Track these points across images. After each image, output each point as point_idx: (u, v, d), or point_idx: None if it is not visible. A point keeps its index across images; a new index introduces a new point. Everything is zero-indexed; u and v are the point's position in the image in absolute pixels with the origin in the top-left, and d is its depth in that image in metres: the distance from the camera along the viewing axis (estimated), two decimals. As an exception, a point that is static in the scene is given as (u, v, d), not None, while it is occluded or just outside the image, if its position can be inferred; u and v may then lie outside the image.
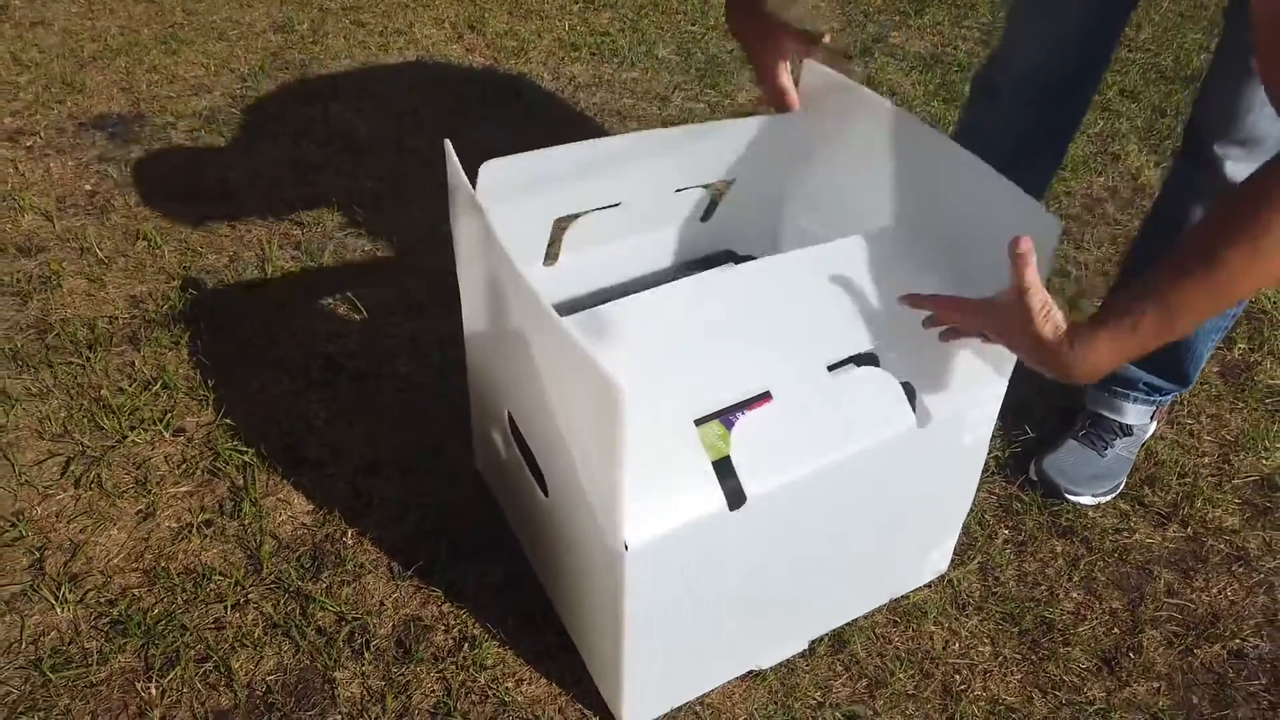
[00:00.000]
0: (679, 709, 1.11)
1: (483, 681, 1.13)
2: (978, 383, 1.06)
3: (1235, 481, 1.42)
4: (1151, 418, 1.43)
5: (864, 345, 1.02)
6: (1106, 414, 1.41)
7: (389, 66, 2.35)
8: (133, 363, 1.51)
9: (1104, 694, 1.16)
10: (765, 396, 0.99)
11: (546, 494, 1.05)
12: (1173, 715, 1.14)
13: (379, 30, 2.50)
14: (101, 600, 1.19)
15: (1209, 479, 1.43)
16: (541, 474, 1.05)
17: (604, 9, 2.68)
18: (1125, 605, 1.25)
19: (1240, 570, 1.30)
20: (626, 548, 0.88)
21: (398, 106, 2.19)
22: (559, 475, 1.00)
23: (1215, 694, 1.16)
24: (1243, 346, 1.65)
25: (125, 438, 1.38)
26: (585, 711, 1.10)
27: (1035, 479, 1.38)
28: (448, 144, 1.03)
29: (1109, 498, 1.37)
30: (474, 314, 1.14)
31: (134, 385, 1.47)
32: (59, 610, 1.17)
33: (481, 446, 1.33)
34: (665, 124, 2.18)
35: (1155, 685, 1.17)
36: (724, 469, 0.95)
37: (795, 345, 1.01)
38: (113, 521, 1.28)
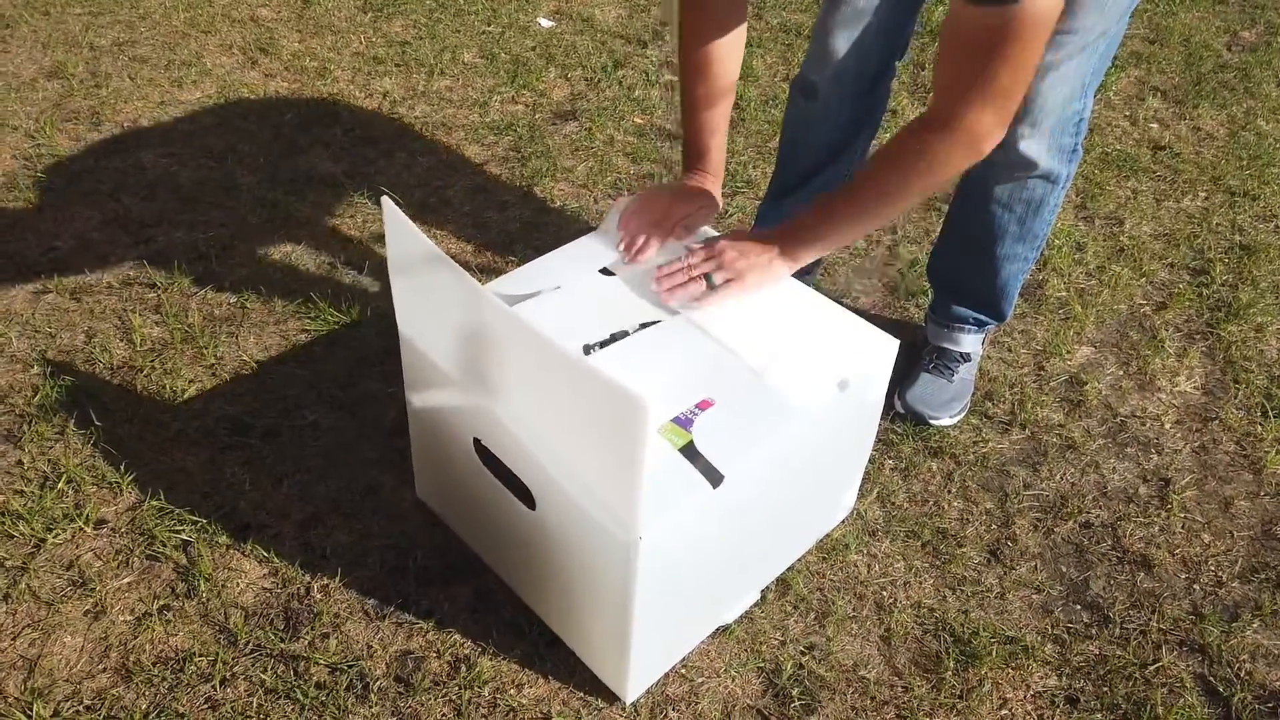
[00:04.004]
0: (666, 676, 1.25)
1: (488, 695, 1.21)
2: (876, 346, 1.24)
3: (1051, 384, 1.71)
4: (981, 344, 1.69)
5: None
6: (948, 346, 1.65)
7: (189, 104, 2.26)
8: (20, 462, 1.44)
9: (997, 580, 1.40)
10: (707, 401, 1.14)
11: (533, 507, 1.14)
12: (1051, 585, 1.39)
13: (164, 64, 2.39)
14: (79, 708, 1.17)
15: (1031, 385, 1.71)
16: (524, 490, 1.14)
17: (395, 17, 2.67)
18: (996, 504, 1.50)
19: (1072, 456, 1.59)
20: (641, 539, 1.00)
21: (213, 146, 2.13)
22: (551, 487, 1.09)
23: (1077, 560, 1.43)
24: (1032, 268, 1.96)
25: (44, 541, 1.33)
26: (587, 698, 1.22)
27: (902, 411, 1.60)
28: (387, 201, 1.08)
29: (962, 416, 1.62)
30: (423, 355, 1.20)
31: (31, 485, 1.40)
32: (36, 729, 1.14)
33: (427, 476, 1.38)
34: (491, 130, 2.24)
35: (1032, 564, 1.42)
36: (691, 452, 1.09)
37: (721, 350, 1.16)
38: (62, 628, 1.24)
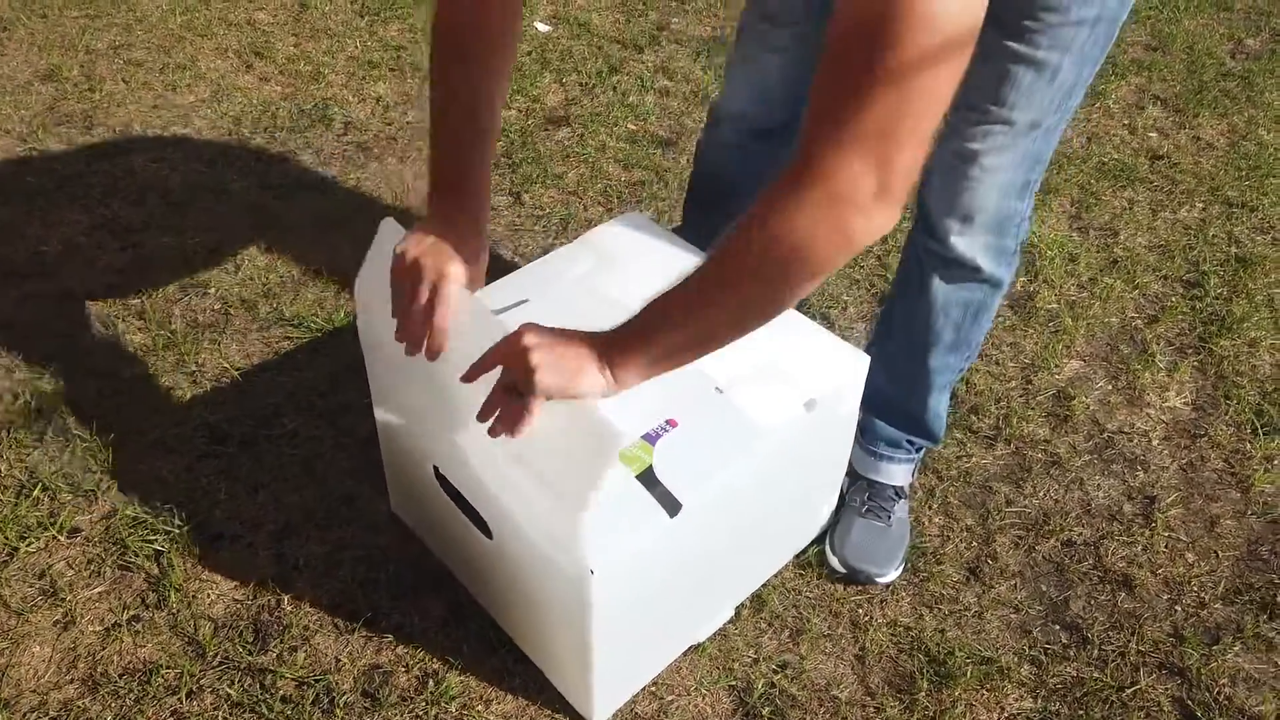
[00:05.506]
0: (636, 695, 1.24)
1: (455, 710, 1.20)
2: (846, 363, 1.23)
3: (1039, 398, 1.69)
4: (912, 474, 1.48)
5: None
6: (879, 480, 1.43)
7: (183, 107, 2.26)
8: (-3, 469, 1.44)
9: (975, 599, 1.38)
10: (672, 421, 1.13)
11: (490, 536, 1.14)
12: (1030, 605, 1.38)
13: (159, 68, 2.39)
14: (45, 720, 1.17)
15: (1018, 399, 1.69)
16: (481, 519, 1.14)
17: (391, 21, 2.67)
18: (977, 520, 1.48)
19: (1056, 472, 1.57)
20: (593, 572, 0.99)
21: (205, 150, 2.13)
22: (505, 518, 1.08)
23: (1058, 579, 1.41)
24: (1023, 279, 1.94)
25: (16, 550, 1.33)
26: (555, 716, 1.21)
27: (843, 570, 1.37)
28: (390, 221, 1.07)
29: (903, 567, 1.40)
30: (388, 380, 1.19)
31: (7, 493, 1.41)
32: (1, 740, 1.15)
33: (398, 492, 1.38)
34: (483, 136, 2.23)
35: (1012, 583, 1.40)
36: (649, 479, 1.08)
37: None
38: (30, 638, 1.24)
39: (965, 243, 1.21)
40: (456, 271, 0.98)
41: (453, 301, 0.98)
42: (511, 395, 0.94)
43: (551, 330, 0.94)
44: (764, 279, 0.85)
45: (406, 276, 0.99)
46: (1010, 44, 1.05)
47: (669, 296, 0.91)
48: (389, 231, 1.06)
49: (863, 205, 0.77)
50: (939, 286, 1.27)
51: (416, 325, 0.99)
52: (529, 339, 0.92)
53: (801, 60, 1.28)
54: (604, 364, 0.92)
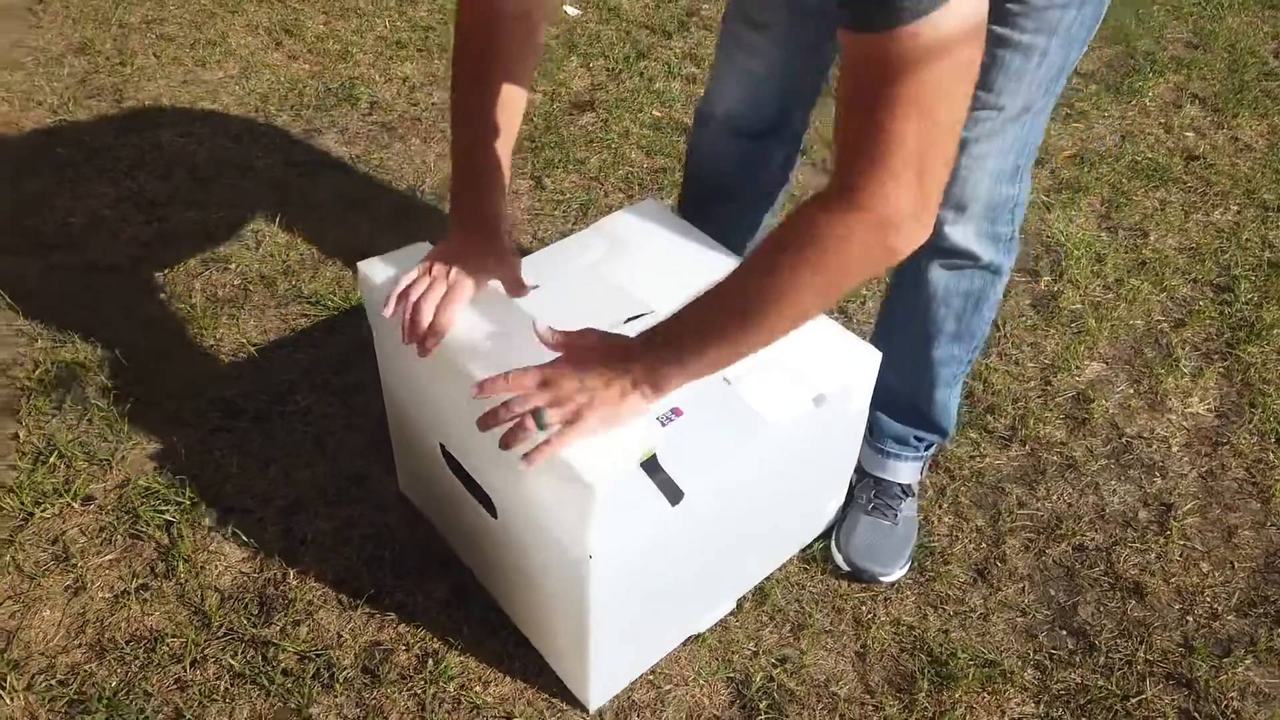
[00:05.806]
0: (634, 682, 1.24)
1: (452, 691, 1.21)
2: (856, 358, 1.22)
3: (1057, 399, 1.67)
4: (921, 473, 1.46)
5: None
6: (886, 478, 1.42)
7: (212, 83, 2.27)
8: (16, 435, 1.46)
9: (981, 601, 1.37)
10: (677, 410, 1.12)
11: (495, 515, 1.14)
12: (1037, 609, 1.36)
13: (190, 43, 2.41)
14: (52, 682, 1.18)
15: (1036, 400, 1.67)
16: (487, 497, 1.14)
17: (420, 1, 2.67)
18: (987, 521, 1.47)
19: (1071, 476, 1.55)
20: (591, 557, 0.99)
21: (232, 126, 2.14)
22: (510, 499, 1.09)
23: (1067, 584, 1.39)
24: (1048, 279, 1.91)
25: (31, 515, 1.36)
26: (552, 700, 1.21)
27: (847, 569, 1.36)
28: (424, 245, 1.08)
29: (908, 566, 1.39)
30: (397, 359, 1.20)
31: (25, 459, 1.43)
32: (9, 700, 1.17)
33: (406, 471, 1.39)
34: (507, 119, 2.23)
35: (1020, 586, 1.39)
36: (652, 467, 1.07)
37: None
38: (42, 602, 1.27)
39: (960, 231, 1.20)
40: (473, 281, 1.09)
41: (470, 299, 1.09)
42: (532, 422, 0.96)
43: (587, 369, 0.98)
44: (811, 294, 0.91)
45: (422, 284, 1.09)
46: (995, 29, 1.02)
47: (704, 314, 0.95)
48: (419, 249, 1.13)
49: (903, 225, 0.85)
50: (938, 276, 1.26)
51: (417, 328, 1.08)
52: (569, 381, 0.97)
53: (786, 62, 1.29)
54: (642, 388, 0.98)
